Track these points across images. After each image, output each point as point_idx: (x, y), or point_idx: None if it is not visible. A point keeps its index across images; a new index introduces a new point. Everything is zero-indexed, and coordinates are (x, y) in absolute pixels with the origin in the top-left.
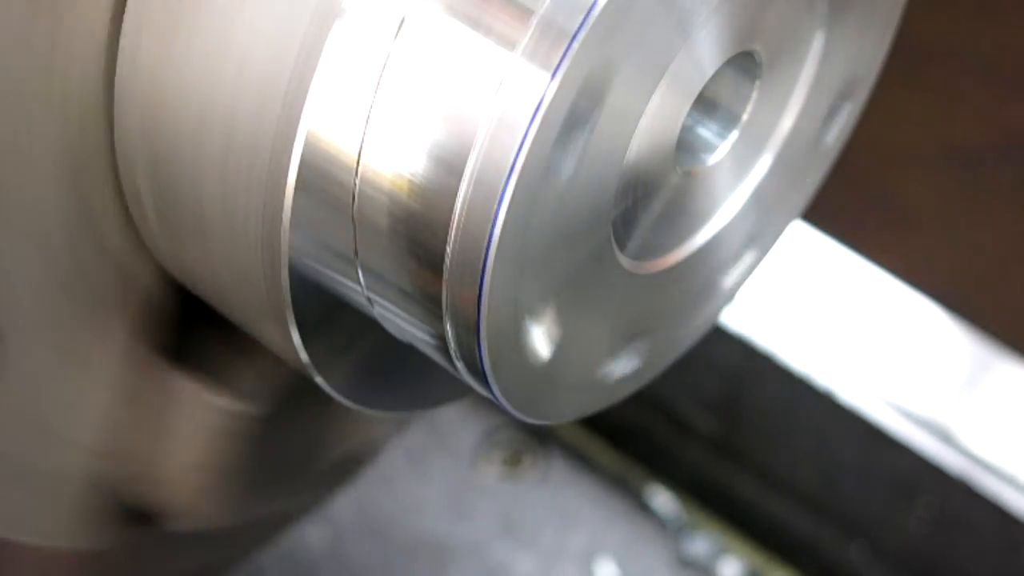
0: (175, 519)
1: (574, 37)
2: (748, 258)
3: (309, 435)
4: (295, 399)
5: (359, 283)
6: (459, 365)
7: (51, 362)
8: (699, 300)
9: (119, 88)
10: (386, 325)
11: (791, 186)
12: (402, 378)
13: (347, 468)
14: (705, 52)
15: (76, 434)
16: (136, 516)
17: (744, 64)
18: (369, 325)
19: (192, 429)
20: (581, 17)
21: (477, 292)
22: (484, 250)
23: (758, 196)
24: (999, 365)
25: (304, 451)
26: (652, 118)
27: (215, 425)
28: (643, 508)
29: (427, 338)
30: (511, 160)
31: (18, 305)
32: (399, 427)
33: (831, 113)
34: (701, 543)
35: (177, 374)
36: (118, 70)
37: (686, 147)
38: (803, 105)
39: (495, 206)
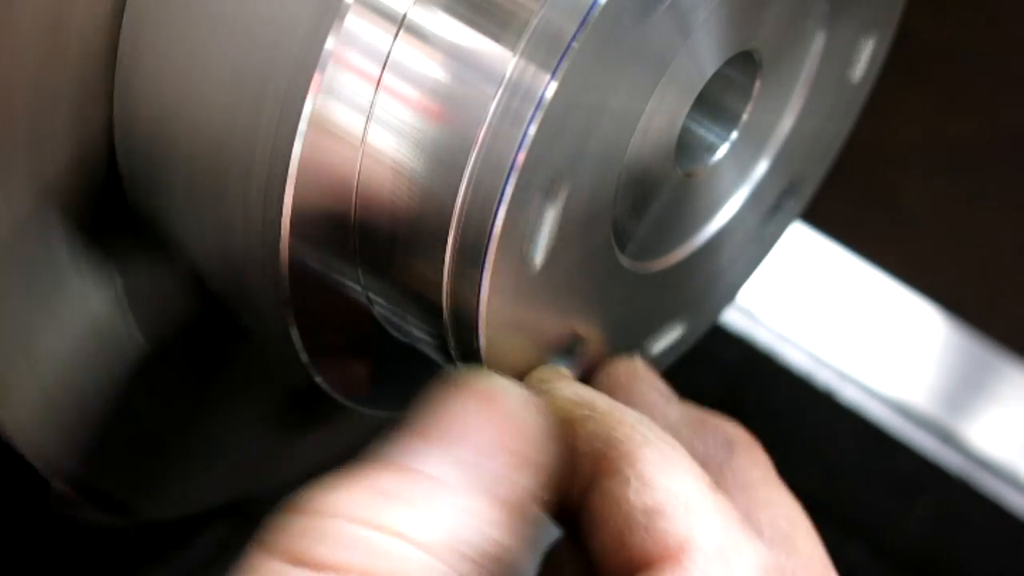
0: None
1: (573, 37)
2: (749, 257)
3: (191, 417)
4: (189, 357)
5: (359, 283)
6: (459, 365)
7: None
8: (700, 298)
9: (119, 86)
10: (386, 325)
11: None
12: (402, 378)
13: (222, 487)
14: (705, 52)
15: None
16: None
17: (744, 64)
18: (369, 325)
19: (64, 313)
20: (580, 17)
21: (477, 292)
22: (484, 249)
23: (757, 195)
24: (999, 365)
25: (178, 435)
26: (652, 118)
27: (91, 322)
28: None
29: (427, 338)
30: (511, 160)
31: None
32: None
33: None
34: None
35: (80, 243)
36: (118, 68)
37: (686, 147)
38: (803, 105)
39: (495, 206)
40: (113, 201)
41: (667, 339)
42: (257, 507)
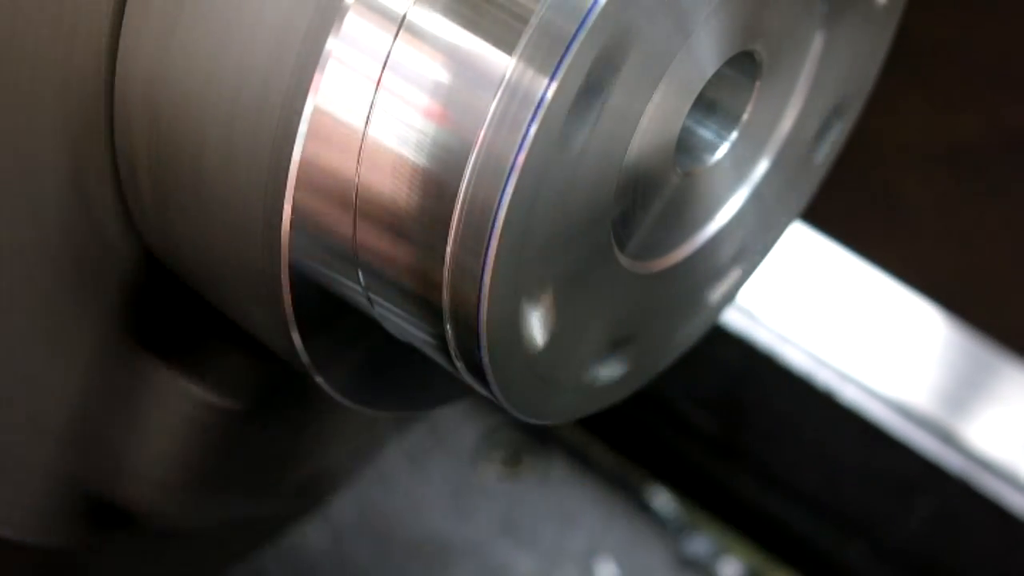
0: (141, 518)
1: (574, 37)
2: (749, 257)
3: (283, 443)
4: (273, 402)
5: (359, 283)
6: (459, 365)
7: (25, 337)
8: (699, 299)
9: (119, 86)
10: (386, 325)
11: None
12: (402, 378)
13: (317, 488)
14: (705, 52)
15: (46, 420)
16: (104, 516)
17: (744, 64)
18: (369, 325)
19: (165, 419)
20: (581, 17)
21: (477, 292)
22: (484, 250)
23: (757, 195)
24: (999, 365)
25: (276, 460)
26: (652, 118)
27: (188, 417)
28: (643, 508)
29: (427, 338)
30: (511, 160)
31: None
32: (371, 454)
33: (824, 128)
34: (701, 543)
35: (155, 361)
36: (118, 70)
37: (686, 147)
38: (803, 105)
39: (495, 206)
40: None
41: (667, 338)
42: None
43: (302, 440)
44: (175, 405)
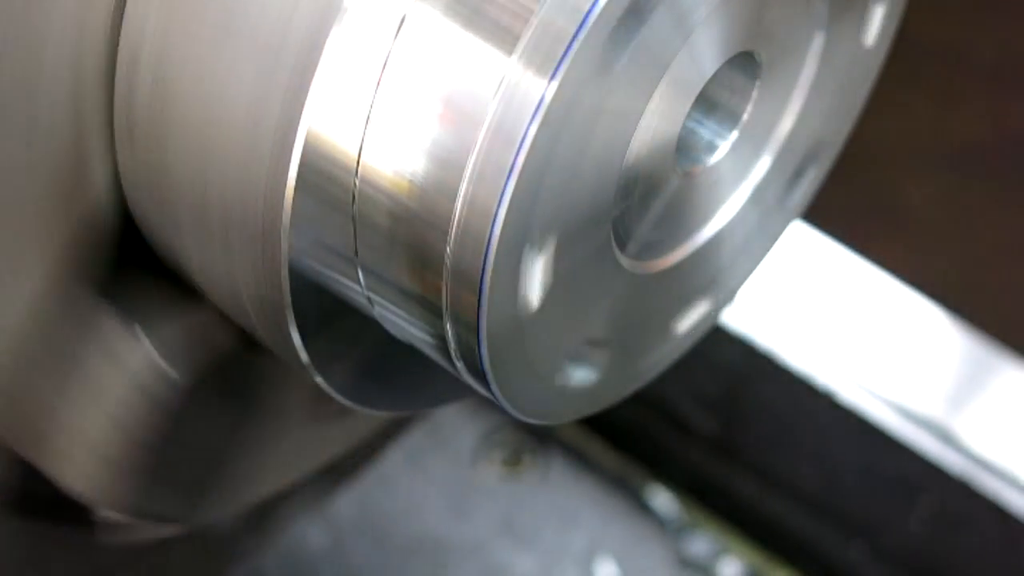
0: (68, 492)
1: (574, 38)
2: (750, 257)
3: (224, 433)
4: (221, 384)
5: (359, 283)
6: (459, 365)
7: None
8: (700, 299)
9: (119, 88)
10: (386, 325)
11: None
12: (402, 378)
13: (258, 487)
14: (705, 52)
15: None
16: (24, 500)
17: (744, 64)
18: (369, 325)
19: (103, 379)
20: (581, 18)
21: (477, 292)
22: (484, 250)
23: (758, 195)
24: (999, 365)
25: (217, 452)
26: (652, 118)
27: (129, 379)
28: (643, 508)
29: (427, 338)
30: (511, 160)
31: None
32: (311, 467)
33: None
34: (701, 543)
35: (103, 310)
36: (118, 69)
37: (686, 147)
38: (803, 104)
39: (495, 206)
40: (125, 262)
41: (667, 338)
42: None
43: (245, 432)
44: (114, 361)
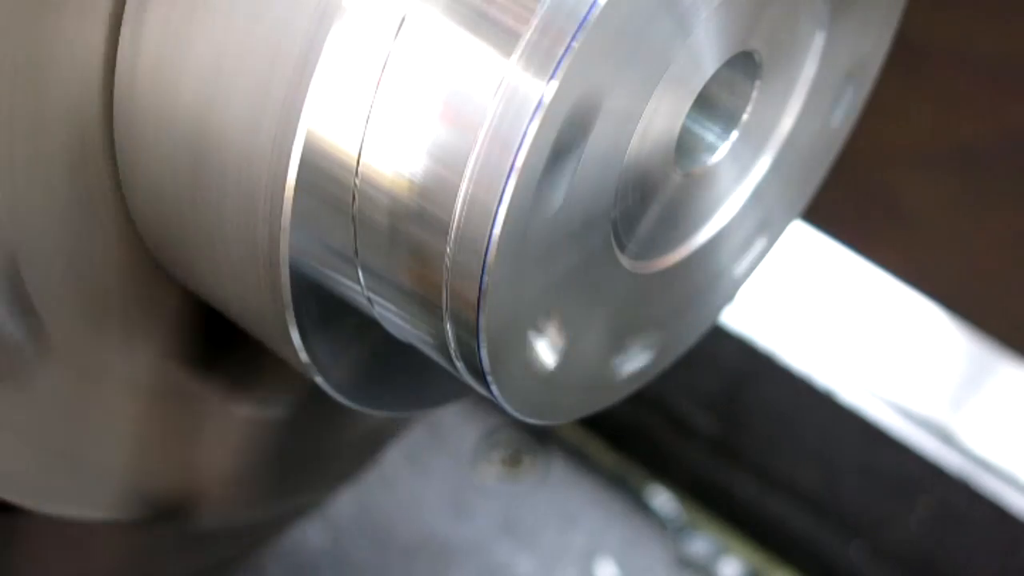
0: (206, 513)
1: (573, 38)
2: (749, 256)
3: (329, 424)
4: (315, 397)
5: (359, 283)
6: (459, 365)
7: (71, 379)
8: (700, 299)
9: (119, 88)
10: (386, 325)
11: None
12: (402, 378)
13: (369, 445)
14: (705, 52)
15: (101, 455)
16: (171, 504)
17: (744, 64)
18: (369, 325)
19: (219, 439)
20: (580, 18)
21: (477, 292)
22: (484, 250)
23: (758, 194)
24: (999, 365)
25: (327, 439)
26: (652, 118)
27: (240, 433)
28: (643, 508)
29: (427, 338)
30: (511, 160)
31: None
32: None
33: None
34: (701, 543)
35: (203, 385)
36: (117, 70)
37: (686, 147)
38: (803, 105)
39: (495, 206)
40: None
41: (667, 338)
42: None
43: (342, 417)
44: (224, 424)
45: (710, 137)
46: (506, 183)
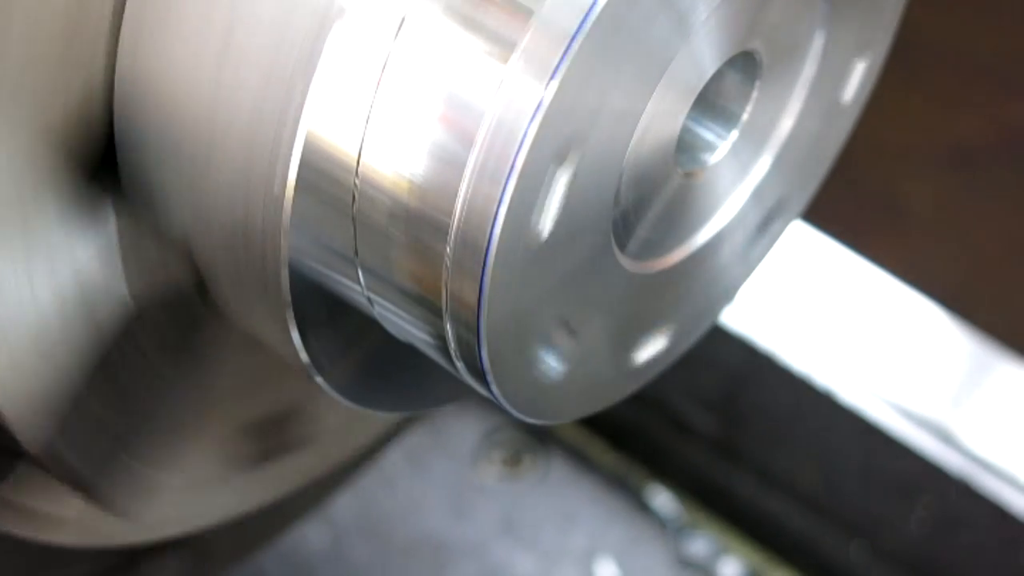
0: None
1: (573, 38)
2: (749, 256)
3: (166, 399)
4: (168, 330)
5: (359, 283)
6: (459, 365)
7: None
8: (700, 299)
9: (119, 87)
10: (386, 325)
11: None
12: (402, 378)
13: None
14: (705, 52)
15: None
16: None
17: (744, 64)
18: (369, 325)
19: (55, 274)
20: (580, 18)
21: (477, 292)
22: (484, 250)
23: (758, 194)
24: (999, 365)
25: (155, 419)
26: (652, 118)
27: (84, 283)
28: (643, 508)
29: (427, 338)
30: (511, 160)
31: None
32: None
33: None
34: (701, 543)
35: (72, 195)
36: (117, 69)
37: (686, 147)
38: (803, 105)
39: (495, 206)
40: (113, 157)
41: (667, 338)
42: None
43: (187, 401)
44: (66, 256)
45: (710, 137)
46: (506, 183)
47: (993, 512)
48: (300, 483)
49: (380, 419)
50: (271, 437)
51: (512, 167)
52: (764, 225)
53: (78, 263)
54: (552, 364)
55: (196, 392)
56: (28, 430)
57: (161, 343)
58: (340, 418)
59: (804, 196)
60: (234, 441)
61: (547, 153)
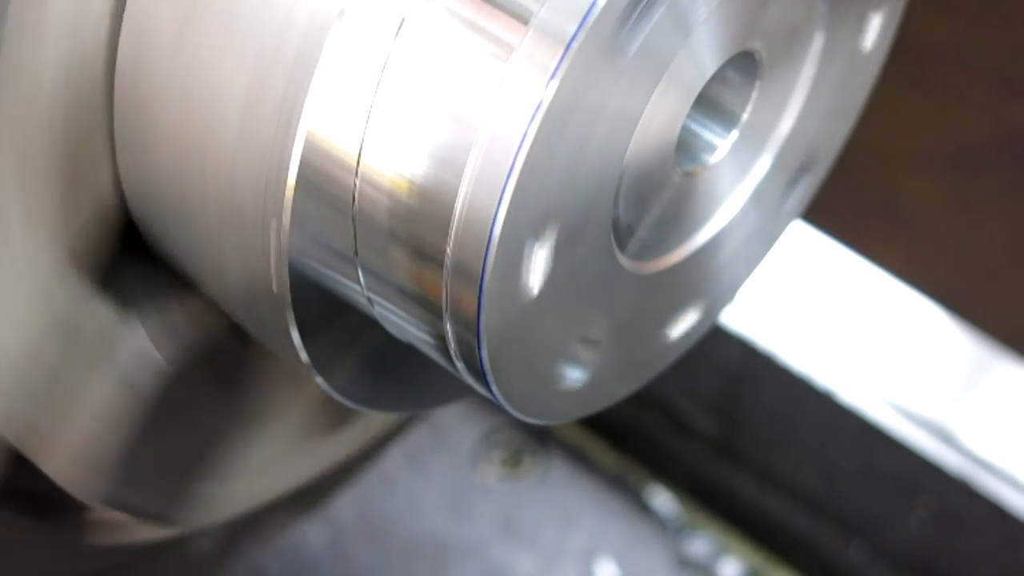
0: (57, 485)
1: (573, 38)
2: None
3: (215, 423)
4: (214, 373)
5: (359, 283)
6: (459, 365)
7: None
8: (700, 299)
9: (119, 87)
10: (386, 325)
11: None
12: (402, 378)
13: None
14: (705, 52)
15: None
16: (18, 496)
17: (744, 64)
18: (369, 325)
19: (94, 369)
20: (580, 18)
21: (477, 292)
22: (484, 250)
23: (757, 195)
24: (999, 365)
25: (206, 445)
26: (652, 118)
27: (122, 368)
28: (643, 508)
29: (427, 338)
30: (511, 160)
31: None
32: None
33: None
34: (701, 543)
35: (99, 300)
36: (118, 68)
37: (686, 147)
38: (803, 105)
39: (495, 206)
40: (125, 254)
41: (667, 338)
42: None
43: (234, 430)
44: (111, 353)
45: (710, 137)
46: (506, 183)
47: (993, 512)
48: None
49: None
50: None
51: (512, 167)
52: (791, 184)
53: (117, 355)
54: (552, 364)
55: (250, 421)
56: (77, 487)
57: (209, 392)
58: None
59: (831, 152)
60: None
61: (547, 153)
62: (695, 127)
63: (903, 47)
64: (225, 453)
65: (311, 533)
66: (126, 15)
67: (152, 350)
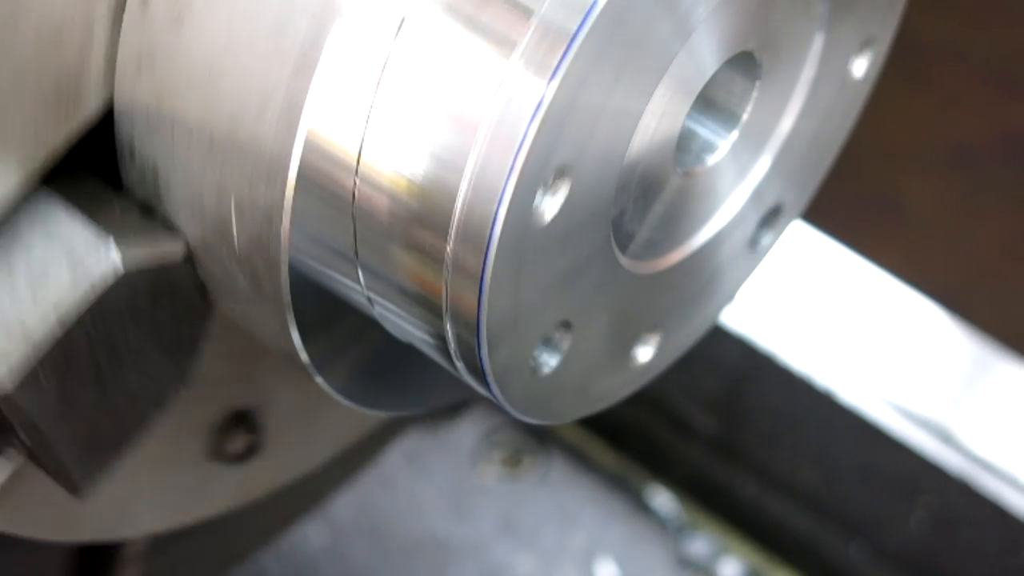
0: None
1: (574, 37)
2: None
3: (146, 393)
4: (155, 330)
5: (359, 283)
6: (459, 365)
7: None
8: (700, 299)
9: (119, 84)
10: (386, 325)
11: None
12: (402, 378)
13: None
14: (705, 52)
15: None
16: None
17: (744, 64)
18: (369, 325)
19: (62, 284)
20: (580, 17)
21: (477, 292)
22: (484, 249)
23: (757, 195)
24: (999, 365)
25: (130, 412)
26: (652, 118)
27: (75, 255)
28: (643, 508)
29: (427, 338)
30: (511, 160)
31: None
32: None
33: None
34: (701, 543)
35: (77, 218)
36: (118, 67)
37: (686, 147)
38: (803, 104)
39: (495, 206)
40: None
41: (667, 339)
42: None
43: (160, 404)
44: (83, 271)
45: (710, 137)
46: (506, 183)
47: (993, 512)
48: (252, 496)
49: (339, 434)
50: (231, 440)
51: (512, 167)
52: (764, 223)
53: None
54: (553, 364)
55: (175, 374)
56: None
57: (149, 320)
58: (294, 431)
59: (804, 196)
60: (201, 436)
61: (547, 152)
62: (695, 127)
63: (904, 47)
64: (142, 435)
65: (311, 533)
66: (126, 16)
67: (112, 246)
